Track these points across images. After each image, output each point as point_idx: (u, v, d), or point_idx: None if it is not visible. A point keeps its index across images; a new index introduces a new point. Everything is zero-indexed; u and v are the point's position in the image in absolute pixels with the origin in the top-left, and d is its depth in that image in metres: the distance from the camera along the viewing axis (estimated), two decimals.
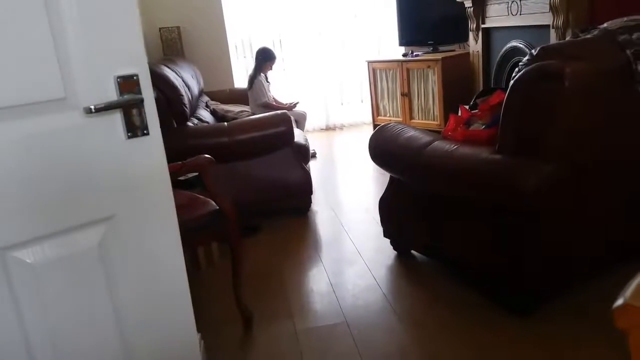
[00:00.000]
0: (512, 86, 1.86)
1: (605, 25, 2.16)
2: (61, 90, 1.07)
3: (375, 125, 5.40)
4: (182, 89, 3.26)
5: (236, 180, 3.08)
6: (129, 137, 1.14)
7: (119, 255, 1.19)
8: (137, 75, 1.12)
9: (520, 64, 1.94)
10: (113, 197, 1.15)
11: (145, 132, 1.15)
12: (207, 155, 2.17)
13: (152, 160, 1.19)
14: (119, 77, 1.11)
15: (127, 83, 1.12)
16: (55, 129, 1.08)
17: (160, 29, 4.95)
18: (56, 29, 1.04)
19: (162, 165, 1.21)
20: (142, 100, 1.13)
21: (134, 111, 1.14)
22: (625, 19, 2.13)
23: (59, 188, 1.10)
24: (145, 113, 1.15)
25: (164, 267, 1.27)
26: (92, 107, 1.07)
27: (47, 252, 1.10)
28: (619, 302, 0.53)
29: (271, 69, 4.77)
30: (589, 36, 2.13)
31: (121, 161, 1.15)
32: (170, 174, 2.12)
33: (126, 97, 1.12)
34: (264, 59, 4.66)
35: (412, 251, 2.61)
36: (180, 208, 2.01)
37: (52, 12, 1.02)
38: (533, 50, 1.93)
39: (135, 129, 1.15)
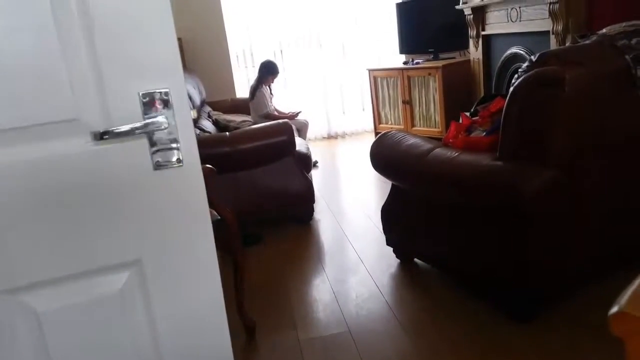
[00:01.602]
0: (511, 92, 1.86)
1: (604, 30, 2.17)
2: (70, 109, 0.88)
3: (377, 133, 5.40)
4: None
5: (238, 190, 3.09)
6: (157, 168, 0.93)
7: (144, 307, 0.99)
8: (167, 92, 0.91)
9: (519, 70, 1.95)
10: (138, 239, 0.96)
11: (178, 162, 0.93)
12: (208, 165, 2.17)
13: (187, 196, 0.97)
14: (143, 93, 0.90)
15: (155, 101, 0.91)
16: (64, 156, 0.90)
17: None
18: (63, 28, 0.85)
19: (201, 202, 0.99)
20: (173, 123, 0.93)
21: (164, 136, 0.92)
22: (624, 24, 2.13)
23: (67, 225, 0.92)
24: (178, 138, 0.93)
25: (202, 324, 1.04)
26: (101, 132, 0.88)
27: (58, 298, 0.94)
28: (614, 309, 0.53)
29: (273, 82, 4.80)
30: (588, 42, 2.13)
31: (148, 197, 0.95)
32: None
33: (153, 118, 0.90)
34: (267, 72, 4.68)
35: (415, 259, 2.60)
36: None
37: (57, 7, 0.85)
38: (532, 57, 1.93)
39: (165, 158, 0.94)
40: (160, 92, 0.91)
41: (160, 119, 0.91)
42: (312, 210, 3.45)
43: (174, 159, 0.94)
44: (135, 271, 0.97)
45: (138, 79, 0.90)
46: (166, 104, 0.91)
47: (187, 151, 0.95)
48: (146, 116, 0.90)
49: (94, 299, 0.96)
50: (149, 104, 0.90)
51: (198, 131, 3.59)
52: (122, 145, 0.92)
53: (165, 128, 0.92)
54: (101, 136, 0.88)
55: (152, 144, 0.93)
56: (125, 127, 0.89)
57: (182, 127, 0.94)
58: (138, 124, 0.90)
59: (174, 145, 0.93)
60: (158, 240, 0.97)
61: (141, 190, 0.94)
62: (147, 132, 0.91)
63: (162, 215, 0.96)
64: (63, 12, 0.85)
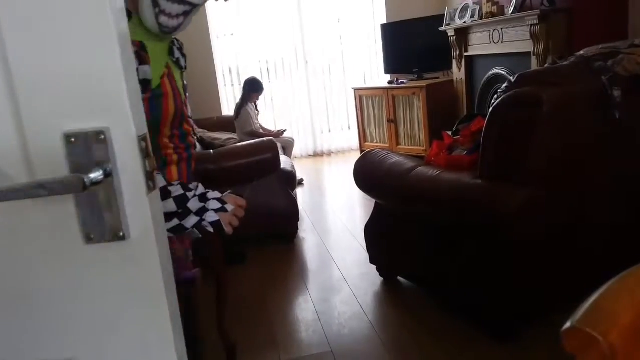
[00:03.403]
0: (491, 112, 1.89)
1: (581, 52, 2.22)
2: None
3: (362, 151, 5.43)
4: None
5: None
6: (90, 242, 0.66)
7: None
8: (104, 131, 0.63)
9: (499, 90, 1.98)
10: (69, 333, 0.72)
11: (120, 234, 0.65)
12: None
13: (134, 280, 0.69)
14: (68, 134, 0.63)
15: (86, 145, 0.63)
16: None
17: None
18: None
19: (156, 288, 0.70)
20: (111, 177, 0.64)
21: (100, 197, 0.64)
22: (600, 46, 2.19)
23: None
24: (121, 201, 0.65)
25: None
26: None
27: None
28: (567, 325, 0.53)
29: (257, 99, 4.82)
30: (565, 63, 2.18)
31: (79, 279, 0.69)
32: None
33: (84, 170, 0.61)
34: (251, 89, 4.70)
35: (398, 277, 2.60)
36: None
37: None
38: (511, 78, 1.97)
39: (100, 228, 0.65)
40: (94, 133, 0.63)
41: (94, 171, 0.61)
42: (296, 228, 3.44)
43: (112, 230, 0.65)
44: None
45: (61, 112, 0.64)
46: (103, 149, 0.63)
47: (137, 219, 0.66)
48: (73, 166, 0.63)
49: None
50: (76, 149, 0.63)
51: None
52: (44, 208, 0.65)
53: (98, 183, 0.62)
54: None
55: (81, 207, 0.65)
56: (29, 184, 0.61)
57: (128, 184, 0.65)
58: (58, 179, 0.60)
59: (111, 211, 0.65)
60: (96, 335, 0.72)
61: (70, 271, 0.69)
62: (72, 190, 0.60)
63: (100, 303, 0.70)
64: None
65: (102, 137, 0.63)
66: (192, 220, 1.09)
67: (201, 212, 1.10)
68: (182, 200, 1.07)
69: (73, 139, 0.63)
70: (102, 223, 0.66)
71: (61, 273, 0.69)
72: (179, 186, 1.08)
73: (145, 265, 0.69)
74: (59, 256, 0.68)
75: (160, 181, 1.03)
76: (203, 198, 1.11)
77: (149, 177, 0.67)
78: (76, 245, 0.67)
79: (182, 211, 1.08)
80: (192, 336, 1.29)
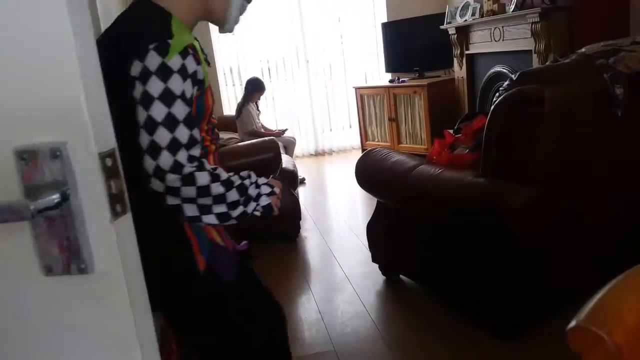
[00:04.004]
0: (492, 111, 1.89)
1: (583, 50, 2.22)
2: None
3: (364, 150, 5.43)
4: None
5: None
6: (49, 273, 0.58)
7: None
8: (61, 148, 0.54)
9: (500, 89, 1.98)
10: None
11: (82, 266, 0.56)
12: None
13: (101, 320, 0.60)
14: (20, 149, 0.54)
15: (42, 164, 0.54)
16: None
17: None
18: None
19: (126, 329, 0.60)
20: (69, 200, 0.54)
21: (58, 223, 0.55)
22: (601, 44, 2.18)
23: None
24: (81, 229, 0.56)
25: None
26: None
27: None
28: (572, 324, 0.53)
29: (259, 99, 4.82)
30: (567, 61, 2.18)
31: (37, 316, 0.61)
32: None
33: (39, 193, 0.53)
34: (253, 89, 4.71)
35: (401, 275, 2.60)
36: None
37: None
38: (513, 76, 1.97)
39: (60, 258, 0.56)
40: (50, 149, 0.54)
41: (49, 193, 0.53)
42: (298, 227, 3.44)
43: (74, 262, 0.56)
44: None
45: (11, 125, 0.55)
46: (60, 168, 0.54)
47: (101, 250, 0.57)
48: (26, 187, 0.55)
49: None
50: (30, 167, 0.54)
51: None
52: None
53: (56, 206, 0.53)
54: None
55: (38, 234, 0.56)
56: None
57: (90, 209, 0.56)
58: (1, 204, 0.51)
59: (70, 240, 0.56)
60: None
61: (28, 304, 0.60)
62: (18, 217, 0.51)
63: (61, 343, 0.61)
64: None
65: (59, 153, 0.54)
66: (252, 206, 1.16)
67: (257, 197, 1.18)
68: (242, 189, 1.14)
69: (25, 156, 0.54)
70: (61, 253, 0.56)
71: (18, 306, 0.60)
72: (236, 176, 1.14)
73: (112, 303, 0.59)
74: (16, 288, 0.60)
75: (222, 173, 1.10)
76: (257, 184, 1.19)
77: (117, 200, 0.57)
78: (35, 277, 0.58)
79: (245, 198, 1.14)
80: (276, 302, 1.40)
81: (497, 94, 1.94)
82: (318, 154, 6.12)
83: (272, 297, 1.39)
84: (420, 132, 4.97)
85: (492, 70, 4.24)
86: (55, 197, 0.53)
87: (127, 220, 0.60)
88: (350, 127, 6.23)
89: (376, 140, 5.48)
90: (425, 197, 2.11)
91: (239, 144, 3.63)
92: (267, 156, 3.19)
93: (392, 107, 5.17)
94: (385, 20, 5.48)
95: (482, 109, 4.32)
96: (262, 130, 4.73)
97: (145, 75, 1.02)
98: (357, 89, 5.60)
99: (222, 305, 1.24)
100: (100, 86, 0.59)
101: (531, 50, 3.64)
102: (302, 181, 4.74)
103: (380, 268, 2.66)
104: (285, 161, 3.43)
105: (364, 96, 5.52)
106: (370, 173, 2.45)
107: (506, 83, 1.96)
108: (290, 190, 3.33)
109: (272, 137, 3.55)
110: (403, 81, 5.16)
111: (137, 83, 1.03)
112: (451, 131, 2.44)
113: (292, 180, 3.41)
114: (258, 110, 4.82)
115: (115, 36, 1.13)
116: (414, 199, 2.19)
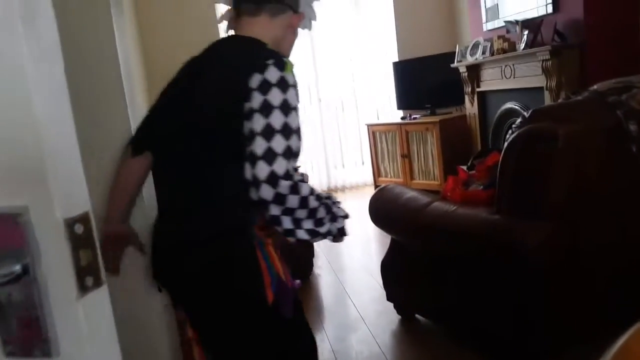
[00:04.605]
0: (506, 148, 1.89)
1: (595, 87, 2.23)
2: None
3: (376, 186, 5.42)
4: None
5: None
6: (10, 356, 0.49)
7: None
8: (21, 214, 0.46)
9: (513, 126, 1.98)
10: None
11: (45, 348, 0.47)
12: None
13: None
14: None
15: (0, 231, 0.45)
16: None
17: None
18: None
19: None
20: (29, 274, 0.46)
21: (16, 299, 0.46)
22: (613, 81, 2.19)
23: None
24: (45, 306, 0.47)
25: None
26: None
27: None
28: None
29: None
30: (580, 98, 2.18)
31: None
32: None
33: None
34: None
35: (416, 315, 2.55)
36: None
37: None
38: (525, 113, 1.97)
39: (21, 339, 0.48)
40: (9, 214, 0.46)
41: (8, 265, 0.46)
42: (311, 265, 3.42)
43: (36, 344, 0.47)
44: None
45: None
46: (20, 236, 0.45)
47: (67, 330, 0.48)
48: None
49: None
50: None
51: None
52: None
53: (16, 279, 0.46)
54: None
55: None
56: None
57: (54, 283, 0.48)
58: None
59: (31, 318, 0.47)
60: None
61: None
62: None
63: None
64: None
65: (19, 219, 0.45)
66: (334, 226, 1.23)
67: (337, 218, 1.24)
68: (328, 207, 1.21)
69: None
70: (22, 333, 0.47)
71: None
72: (321, 193, 1.22)
73: None
74: None
75: (314, 188, 1.17)
76: (337, 205, 1.26)
77: (88, 272, 0.49)
78: None
79: (330, 217, 1.22)
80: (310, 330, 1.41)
81: (510, 131, 1.95)
82: (330, 189, 6.13)
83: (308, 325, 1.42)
84: (433, 169, 4.97)
85: (503, 107, 4.26)
86: (16, 268, 0.45)
87: (100, 295, 0.51)
88: (363, 163, 6.25)
89: (389, 176, 5.48)
90: (439, 234, 2.09)
91: None
92: None
93: (405, 144, 5.19)
94: (396, 59, 5.57)
95: (495, 146, 4.32)
96: None
97: (265, 87, 1.11)
98: (369, 125, 5.65)
99: (275, 337, 1.25)
100: (72, 139, 0.49)
101: (542, 87, 3.67)
102: None
103: (395, 307, 2.61)
104: None
105: (376, 133, 5.56)
106: (384, 209, 2.44)
107: (519, 120, 1.96)
108: None
109: None
110: (415, 118, 5.20)
111: (256, 93, 1.11)
112: (464, 167, 2.44)
113: None
114: None
115: (219, 57, 1.24)
116: (428, 235, 2.17)
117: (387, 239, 2.64)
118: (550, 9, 3.70)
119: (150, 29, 4.95)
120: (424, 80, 5.31)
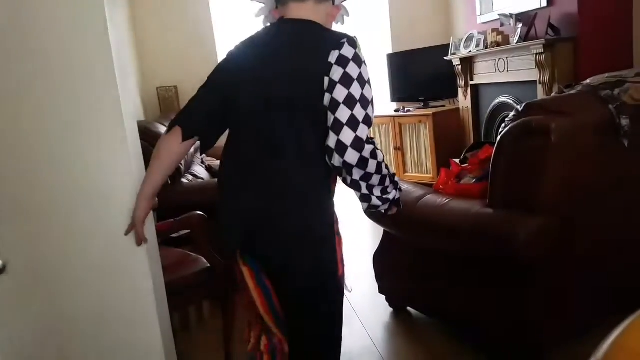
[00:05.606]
0: (499, 142, 1.89)
1: (588, 81, 2.23)
2: None
3: None
4: None
5: None
6: None
7: None
8: None
9: (506, 119, 1.99)
10: None
11: None
12: (198, 212, 2.16)
13: None
14: None
15: None
16: None
17: (157, 88, 5.08)
18: None
19: None
20: None
21: None
22: (606, 75, 2.20)
23: None
24: None
25: None
26: None
27: None
28: None
29: None
30: (572, 92, 2.19)
31: None
32: (162, 232, 2.11)
33: None
34: None
35: (408, 307, 2.56)
36: (171, 267, 1.99)
37: None
38: (518, 107, 1.97)
39: None
40: None
41: None
42: None
43: None
44: None
45: None
46: None
47: None
48: None
49: None
50: None
51: (191, 177, 3.60)
52: None
53: None
54: None
55: None
56: None
57: None
58: None
59: None
60: None
61: None
62: None
63: None
64: None
65: None
66: (393, 194, 1.36)
67: (396, 188, 1.38)
68: (391, 176, 1.34)
69: None
70: None
71: None
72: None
73: None
74: None
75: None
76: (393, 176, 1.37)
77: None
78: None
79: (393, 186, 1.35)
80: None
81: (503, 125, 1.95)
82: None
83: None
84: (426, 161, 4.97)
85: (496, 101, 4.27)
86: None
87: None
88: None
89: None
90: (432, 227, 2.09)
91: None
92: None
93: (398, 136, 5.19)
94: (390, 51, 5.56)
95: (488, 139, 4.33)
96: None
97: (344, 61, 1.23)
98: None
99: (340, 300, 1.44)
100: None
101: (536, 81, 3.67)
102: None
103: (388, 300, 2.62)
104: None
105: None
106: None
107: (512, 114, 1.96)
108: None
109: None
110: (408, 110, 5.20)
111: (337, 67, 1.22)
112: (457, 161, 2.44)
113: None
114: None
115: (294, 37, 1.33)
116: (421, 229, 2.17)
117: (379, 231, 2.64)
118: (544, 3, 3.69)
119: (142, 19, 4.91)
120: (418, 73, 5.30)
